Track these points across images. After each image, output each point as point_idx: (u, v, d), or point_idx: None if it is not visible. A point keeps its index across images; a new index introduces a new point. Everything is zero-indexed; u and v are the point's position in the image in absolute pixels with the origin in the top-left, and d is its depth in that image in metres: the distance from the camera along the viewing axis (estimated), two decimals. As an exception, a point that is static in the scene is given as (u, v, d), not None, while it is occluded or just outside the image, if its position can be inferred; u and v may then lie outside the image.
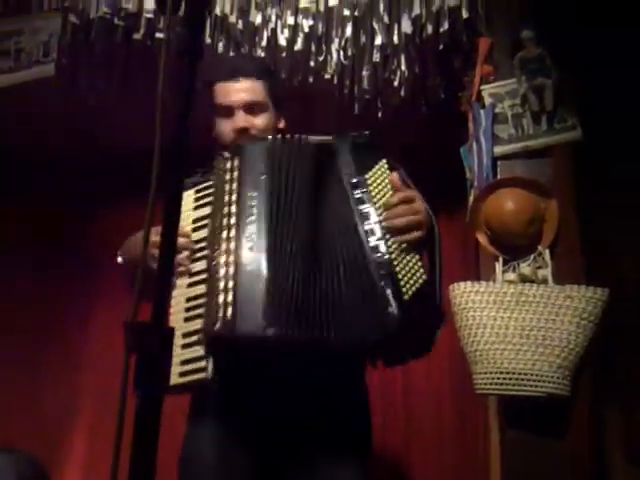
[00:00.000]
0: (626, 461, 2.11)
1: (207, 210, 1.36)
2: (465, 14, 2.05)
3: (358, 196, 1.29)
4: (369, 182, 1.32)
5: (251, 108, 1.51)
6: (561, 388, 1.64)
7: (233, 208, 1.28)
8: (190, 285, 1.27)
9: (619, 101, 2.13)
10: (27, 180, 3.00)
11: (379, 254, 1.22)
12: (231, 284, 1.18)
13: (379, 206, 1.28)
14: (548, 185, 1.84)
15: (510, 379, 1.66)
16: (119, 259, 1.46)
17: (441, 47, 2.15)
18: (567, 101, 1.89)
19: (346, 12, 2.12)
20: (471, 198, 1.93)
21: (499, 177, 1.89)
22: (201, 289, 1.25)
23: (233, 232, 1.25)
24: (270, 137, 1.45)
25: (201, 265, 1.29)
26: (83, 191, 3.00)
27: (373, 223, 1.26)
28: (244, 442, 1.33)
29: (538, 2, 1.97)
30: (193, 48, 0.86)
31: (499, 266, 1.80)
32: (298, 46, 2.18)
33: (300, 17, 2.15)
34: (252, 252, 1.21)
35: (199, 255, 1.30)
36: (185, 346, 1.19)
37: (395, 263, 1.21)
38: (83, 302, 2.98)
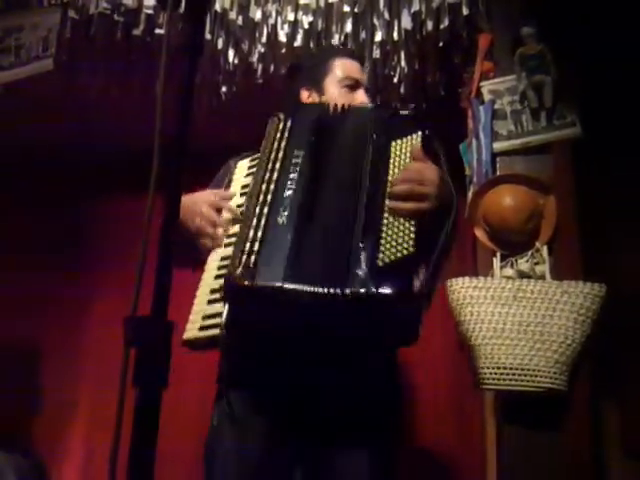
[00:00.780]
0: (624, 455, 2.13)
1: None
2: (465, 10, 2.06)
3: (375, 157, 1.28)
4: (393, 148, 1.30)
5: (363, 90, 1.60)
6: (558, 383, 1.65)
7: (277, 164, 1.28)
8: (227, 245, 1.25)
9: (620, 98, 2.14)
10: (28, 175, 3.01)
11: (368, 214, 1.17)
12: (260, 234, 1.16)
13: (392, 172, 1.25)
14: (547, 181, 1.85)
15: (507, 374, 1.67)
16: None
17: (441, 43, 2.16)
18: (566, 98, 1.90)
19: (346, 8, 2.12)
20: (470, 194, 1.94)
21: (498, 173, 1.89)
22: None
23: (272, 186, 1.24)
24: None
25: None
26: (84, 184, 3.01)
27: (378, 184, 1.23)
28: (269, 430, 1.33)
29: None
30: (194, 45, 0.86)
31: (497, 262, 1.81)
32: (298, 42, 2.19)
33: (300, 13, 2.16)
34: (285, 209, 1.19)
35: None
36: (210, 302, 1.19)
37: (382, 228, 1.15)
38: (82, 291, 2.99)
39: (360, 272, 1.08)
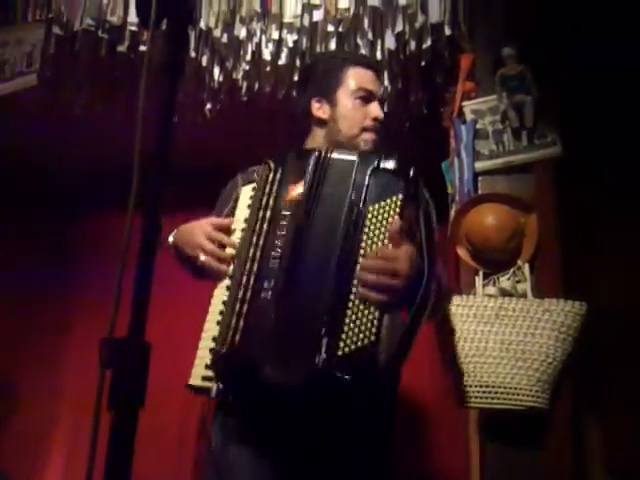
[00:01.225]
0: (606, 472, 2.13)
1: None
2: (448, 31, 2.08)
3: (349, 225, 1.23)
4: (369, 214, 1.25)
5: (380, 104, 1.56)
6: (540, 402, 1.66)
7: (265, 225, 1.28)
8: (228, 288, 1.28)
9: (601, 117, 2.17)
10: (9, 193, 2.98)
11: (335, 294, 1.17)
12: (245, 309, 1.20)
13: (365, 243, 1.22)
14: (528, 200, 1.87)
15: (490, 392, 1.67)
16: (170, 239, 1.45)
17: (424, 63, 2.18)
18: (547, 117, 1.92)
19: (330, 28, 2.14)
20: (452, 213, 1.95)
21: (480, 192, 1.91)
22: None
23: (259, 253, 1.25)
24: (317, 150, 1.41)
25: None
26: (66, 202, 2.98)
27: (349, 258, 1.21)
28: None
29: (520, 20, 2.00)
30: (175, 63, 0.86)
31: (479, 280, 1.82)
32: (282, 60, 2.20)
33: (284, 32, 2.17)
34: (270, 282, 1.22)
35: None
36: (211, 350, 1.21)
37: (348, 312, 1.15)
38: (63, 311, 2.96)
39: (318, 359, 1.11)
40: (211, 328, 1.25)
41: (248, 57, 2.21)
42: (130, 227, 0.79)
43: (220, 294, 1.29)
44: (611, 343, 2.09)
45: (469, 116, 1.98)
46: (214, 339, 1.22)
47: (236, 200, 1.43)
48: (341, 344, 1.12)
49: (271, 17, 2.16)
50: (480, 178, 1.93)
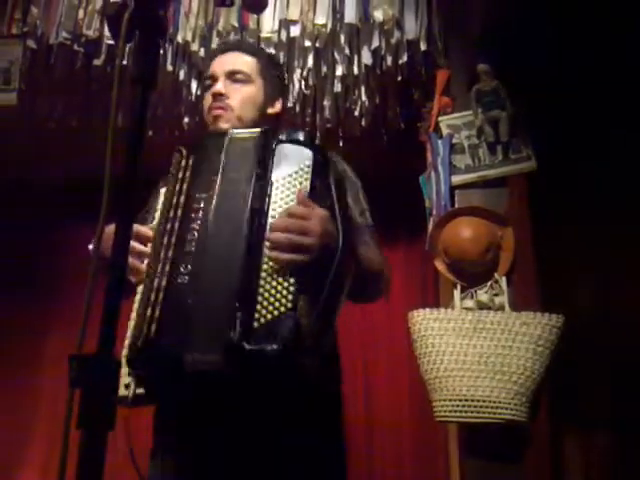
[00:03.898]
0: (586, 487, 2.13)
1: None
2: (423, 46, 2.11)
3: (255, 199, 1.19)
4: (276, 183, 1.21)
5: (234, 77, 1.45)
6: (519, 415, 1.65)
7: (179, 211, 1.23)
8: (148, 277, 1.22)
9: (575, 130, 2.20)
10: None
11: (246, 269, 1.13)
12: (161, 297, 1.15)
13: (273, 214, 1.18)
14: (504, 214, 1.88)
15: (469, 406, 1.67)
16: (90, 246, 1.39)
17: (400, 78, 2.20)
18: (522, 132, 1.95)
19: (307, 43, 2.15)
20: (430, 226, 1.96)
21: (457, 206, 1.92)
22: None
23: (173, 239, 1.20)
24: (231, 130, 1.36)
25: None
26: (38, 216, 2.95)
27: (257, 230, 1.16)
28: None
29: (495, 36, 2.03)
30: (146, 77, 0.85)
31: (457, 293, 1.82)
32: (260, 75, 2.20)
33: (262, 46, 2.18)
34: (186, 266, 1.16)
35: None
36: (129, 345, 1.15)
37: (261, 282, 1.12)
38: (37, 327, 2.90)
39: (234, 335, 1.06)
40: (129, 326, 1.19)
41: (226, 71, 2.21)
42: (100, 241, 0.78)
43: (137, 301, 1.23)
44: (589, 356, 2.10)
45: (445, 131, 2.00)
46: (132, 335, 1.16)
47: (154, 211, 1.37)
48: (256, 315, 1.08)
49: (248, 31, 2.17)
50: (456, 192, 1.94)
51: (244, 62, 1.47)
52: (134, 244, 1.23)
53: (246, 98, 1.44)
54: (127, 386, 1.11)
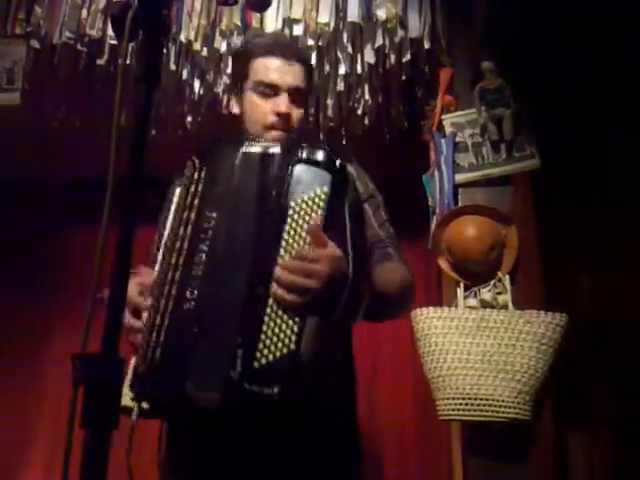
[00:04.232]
0: (590, 486, 2.13)
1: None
2: (427, 45, 2.10)
3: (266, 228, 1.15)
4: (290, 212, 1.15)
5: (294, 97, 1.38)
6: (522, 413, 1.65)
7: (189, 229, 1.18)
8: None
9: (578, 130, 2.19)
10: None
11: (251, 305, 1.09)
12: (166, 322, 1.12)
13: (286, 245, 1.13)
14: (508, 212, 1.88)
15: (472, 404, 1.67)
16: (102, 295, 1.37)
17: (404, 77, 2.20)
18: (526, 130, 1.94)
19: (310, 42, 2.15)
20: (433, 225, 1.95)
21: (460, 204, 1.92)
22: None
23: (181, 260, 1.16)
24: (246, 142, 1.28)
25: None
26: (42, 217, 2.95)
27: (266, 262, 1.12)
28: None
29: (499, 34, 2.02)
30: (149, 76, 0.85)
31: (460, 292, 1.82)
32: (263, 74, 2.20)
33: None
34: (192, 294, 1.13)
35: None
36: (134, 368, 1.14)
37: (266, 319, 1.08)
38: (40, 327, 2.90)
39: (233, 374, 1.04)
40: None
41: (228, 70, 2.21)
42: (104, 240, 0.78)
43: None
44: (592, 355, 2.10)
45: (449, 129, 1.99)
46: (137, 357, 1.15)
47: (168, 212, 1.34)
48: (257, 355, 1.05)
49: (251, 30, 2.16)
50: (460, 190, 1.94)
51: (303, 79, 1.41)
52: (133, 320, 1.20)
53: (301, 121, 1.41)
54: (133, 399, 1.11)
